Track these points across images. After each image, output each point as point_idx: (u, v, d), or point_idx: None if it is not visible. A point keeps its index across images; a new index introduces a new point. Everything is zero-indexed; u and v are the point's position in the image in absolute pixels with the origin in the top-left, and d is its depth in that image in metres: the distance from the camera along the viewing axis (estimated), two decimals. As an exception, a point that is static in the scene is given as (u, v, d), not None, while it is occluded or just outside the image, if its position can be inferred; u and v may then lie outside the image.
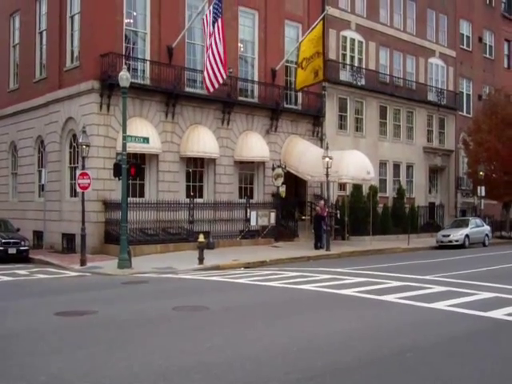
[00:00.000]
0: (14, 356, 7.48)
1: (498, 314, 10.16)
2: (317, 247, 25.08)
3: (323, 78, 27.65)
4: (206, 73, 22.82)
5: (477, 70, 42.84)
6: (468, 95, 42.82)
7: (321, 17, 28.35)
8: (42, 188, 26.31)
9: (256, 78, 28.60)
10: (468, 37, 42.78)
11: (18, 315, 10.55)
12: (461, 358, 7.48)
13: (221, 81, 22.69)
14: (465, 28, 42.58)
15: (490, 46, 44.76)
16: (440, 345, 8.11)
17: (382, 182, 35.23)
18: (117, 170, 18.87)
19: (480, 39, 43.71)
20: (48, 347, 7.94)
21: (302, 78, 27.71)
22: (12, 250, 21.50)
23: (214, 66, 22.33)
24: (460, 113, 41.52)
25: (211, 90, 23.14)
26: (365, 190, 31.01)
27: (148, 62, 24.43)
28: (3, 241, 21.59)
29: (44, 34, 27.10)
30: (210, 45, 22.36)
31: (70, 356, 7.45)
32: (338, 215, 29.30)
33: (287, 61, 29.64)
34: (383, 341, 8.29)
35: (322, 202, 26.29)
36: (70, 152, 24.91)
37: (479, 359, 7.43)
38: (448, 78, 40.75)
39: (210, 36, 22.42)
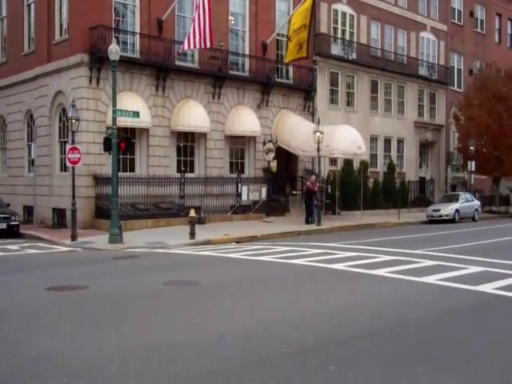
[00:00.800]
0: (5, 332, 7.43)
1: (488, 287, 10.22)
2: (308, 222, 25.10)
3: (306, 55, 27.29)
4: (188, 37, 22.58)
5: (468, 45, 42.59)
6: (459, 70, 42.62)
7: (312, -11, 27.91)
8: (31, 163, 26.08)
9: (247, 52, 28.28)
10: (459, 11, 42.41)
11: (8, 290, 10.50)
12: (450, 331, 7.52)
13: (202, 46, 22.57)
14: (456, 2, 42.18)
15: (482, 21, 44.42)
16: (429, 318, 8.15)
17: (373, 156, 35.21)
18: (107, 145, 18.70)
19: (471, 13, 43.36)
20: (39, 323, 7.89)
21: (289, 50, 27.52)
22: (2, 225, 21.34)
23: (197, 34, 22.20)
24: (451, 87, 41.36)
25: (186, 47, 22.92)
26: (356, 165, 30.96)
27: (138, 35, 24.05)
28: (-7, 216, 21.42)
29: (32, 6, 26.59)
30: (198, 15, 22.13)
31: (61, 332, 7.42)
32: (329, 190, 29.28)
33: (278, 34, 29.29)
34: (373, 315, 8.32)
35: (314, 177, 26.24)
36: (60, 126, 24.64)
37: (468, 333, 7.47)
38: (439, 53, 40.51)
39: (197, 8, 22.21)
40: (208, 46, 22.66)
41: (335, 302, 9.20)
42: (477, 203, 33.00)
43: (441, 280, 10.89)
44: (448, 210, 29.95)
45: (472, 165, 35.68)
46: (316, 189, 25.64)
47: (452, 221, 29.48)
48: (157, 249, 17.37)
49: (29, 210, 25.96)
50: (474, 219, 31.62)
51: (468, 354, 6.62)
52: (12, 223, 21.61)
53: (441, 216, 29.64)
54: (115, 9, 23.75)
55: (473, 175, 37.02)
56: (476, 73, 41.24)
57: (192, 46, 22.82)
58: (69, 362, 6.21)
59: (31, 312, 8.54)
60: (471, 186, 37.06)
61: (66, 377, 5.74)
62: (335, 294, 9.94)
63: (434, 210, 30.26)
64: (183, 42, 23.12)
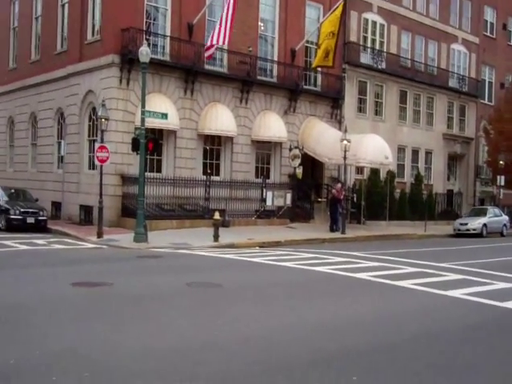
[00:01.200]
0: (30, 325, 7.49)
1: (515, 303, 9.99)
2: (332, 230, 24.94)
3: (332, 65, 27.25)
4: (211, 36, 23.13)
5: (500, 58, 41.98)
6: (490, 83, 42.06)
7: (343, -2, 27.87)
8: (61, 160, 26.41)
9: (276, 58, 28.28)
10: (492, 23, 41.88)
11: (35, 284, 10.60)
12: (475, 346, 7.36)
13: (219, 42, 22.94)
14: (489, 14, 41.68)
15: (515, 34, 43.82)
16: (454, 332, 8.00)
17: (400, 167, 34.87)
18: (135, 145, 18.83)
19: (504, 26, 42.76)
20: (63, 317, 7.94)
21: (317, 57, 27.56)
22: (30, 220, 21.63)
23: (216, 33, 22.71)
24: (481, 100, 40.82)
25: (208, 43, 23.45)
26: (382, 175, 30.73)
27: (168, 38, 24.23)
28: (22, 210, 21.70)
29: (66, 6, 26.95)
30: (221, 16, 22.77)
31: (84, 328, 7.45)
32: (355, 199, 29.10)
33: (307, 41, 29.26)
34: (396, 326, 8.20)
35: (339, 185, 26.08)
36: (89, 125, 24.91)
37: (493, 348, 7.30)
38: (470, 65, 40.03)
39: (224, 9, 22.81)
40: (222, 43, 22.91)
41: (357, 312, 9.08)
42: (505, 218, 32.44)
43: (467, 294, 10.69)
44: (476, 224, 29.53)
45: (501, 179, 35.12)
46: (341, 197, 25.48)
47: (479, 235, 29.03)
48: (181, 249, 17.40)
49: (57, 206, 26.27)
50: (502, 234, 31.11)
51: (494, 372, 6.45)
52: (40, 218, 21.88)
53: (468, 230, 29.24)
54: (147, 12, 23.97)
55: (502, 190, 36.42)
56: (508, 86, 40.64)
57: (208, 42, 22.99)
58: (91, 356, 6.22)
59: (56, 306, 8.60)
60: (500, 201, 36.46)
61: (88, 371, 5.75)
62: (358, 303, 9.82)
63: (462, 224, 29.86)
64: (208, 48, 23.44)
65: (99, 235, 19.13)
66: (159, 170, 24.13)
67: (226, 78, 25.83)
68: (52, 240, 18.93)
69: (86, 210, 24.14)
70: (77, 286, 10.29)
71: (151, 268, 13.62)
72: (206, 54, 23.93)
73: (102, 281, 10.80)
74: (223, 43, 23.10)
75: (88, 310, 8.43)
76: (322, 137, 28.48)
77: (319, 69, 29.11)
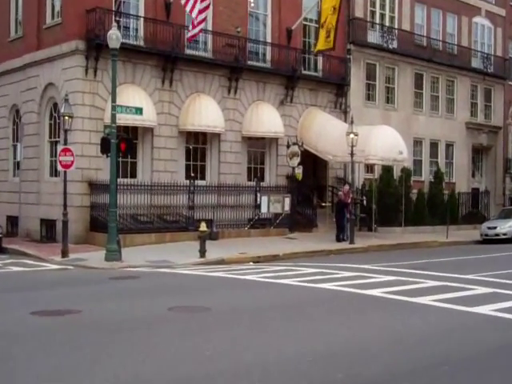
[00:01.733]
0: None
1: (553, 321, 10.06)
2: (339, 239, 25.00)
3: (332, 46, 27.34)
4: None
5: (531, 32, 42.25)
6: (520, 62, 42.32)
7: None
8: (17, 166, 26.36)
9: (269, 40, 28.37)
10: (521, -8, 42.18)
11: (-13, 314, 10.58)
12: (508, 374, 7.40)
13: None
14: (518, -19, 41.98)
15: (548, 4, 44.09)
16: (483, 357, 8.03)
17: (417, 163, 35.00)
18: (105, 146, 18.84)
19: (535, -5, 43.06)
20: (23, 352, 7.92)
21: (320, 38, 27.66)
22: (-18, 238, 21.59)
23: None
24: (510, 82, 41.02)
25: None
26: (396, 173, 30.80)
27: (142, 20, 24.28)
28: (-29, 227, 21.67)
29: (20, -15, 27.01)
30: None
31: (48, 363, 7.44)
32: (365, 202, 29.15)
33: (305, 19, 29.38)
34: (414, 351, 8.23)
35: (347, 187, 26.14)
36: (51, 124, 24.89)
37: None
38: (496, 42, 40.25)
39: None
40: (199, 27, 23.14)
41: (369, 334, 9.11)
42: (541, 220, 32.49)
43: (497, 311, 10.73)
44: (506, 227, 29.56)
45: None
46: (349, 200, 25.53)
47: (511, 240, 29.10)
48: (161, 268, 17.39)
49: (13, 221, 26.21)
50: (537, 239, 31.14)
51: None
52: (-7, 236, 21.83)
53: (497, 235, 29.28)
54: (116, -12, 24.04)
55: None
56: (540, 65, 40.88)
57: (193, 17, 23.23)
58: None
59: (13, 339, 8.57)
60: (534, 200, 36.66)
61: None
62: (369, 324, 9.85)
63: (490, 228, 29.91)
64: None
65: (64, 254, 19.08)
66: (134, 175, 24.14)
67: (210, 64, 25.88)
68: (8, 261, 18.88)
69: (48, 224, 24.10)
70: (37, 315, 10.26)
71: (126, 291, 13.60)
72: (188, 35, 23.87)
73: (68, 308, 10.77)
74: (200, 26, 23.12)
75: (50, 343, 8.42)
76: (324, 130, 28.55)
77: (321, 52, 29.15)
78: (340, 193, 26.35)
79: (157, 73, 24.72)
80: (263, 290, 13.46)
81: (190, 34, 23.78)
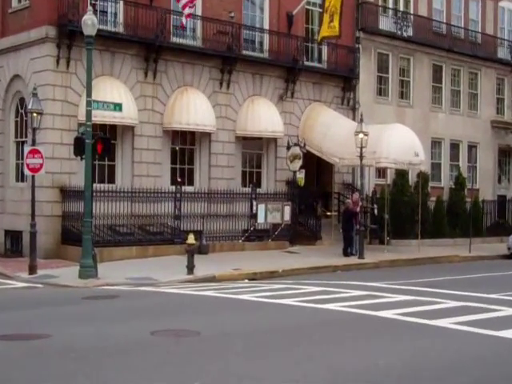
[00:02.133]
0: None
1: None
2: (346, 254, 25.03)
3: (338, 34, 27.44)
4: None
5: None
6: (552, 52, 42.48)
7: None
8: (-22, 170, 26.32)
9: (266, 26, 28.46)
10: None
11: None
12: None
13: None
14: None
15: None
16: (512, 387, 8.04)
17: (436, 167, 35.09)
18: (78, 147, 18.80)
19: None
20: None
21: (323, 25, 27.78)
22: None
23: None
24: (541, 75, 41.22)
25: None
26: (412, 178, 30.88)
27: (121, 3, 24.31)
28: None
29: (-17, -37, 27.04)
30: None
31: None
32: (376, 211, 29.20)
33: (308, 3, 29.45)
34: (434, 381, 8.19)
35: (356, 195, 26.15)
36: (17, 122, 24.90)
37: None
38: (526, 29, 40.45)
39: None
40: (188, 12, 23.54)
41: (381, 363, 9.08)
42: None
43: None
44: (536, 240, 29.64)
45: None
46: (358, 209, 25.55)
47: (541, 255, 29.17)
48: (143, 286, 17.38)
49: (-27, 233, 26.18)
50: None
51: None
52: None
53: (527, 248, 29.35)
54: (93, -33, 24.08)
55: None
56: None
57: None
58: None
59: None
60: None
61: None
62: (381, 351, 9.83)
63: (518, 241, 29.97)
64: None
65: (32, 270, 19.03)
66: (112, 181, 24.14)
67: (200, 53, 25.95)
68: (-33, 279, 18.85)
69: (14, 236, 24.08)
70: (0, 339, 10.21)
71: (103, 312, 13.56)
72: (183, 18, 23.94)
73: (36, 332, 10.73)
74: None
75: (13, 372, 8.35)
76: (330, 130, 28.59)
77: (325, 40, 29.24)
78: (348, 201, 26.39)
79: (138, 63, 24.74)
80: (259, 311, 13.44)
81: (184, 14, 23.76)
